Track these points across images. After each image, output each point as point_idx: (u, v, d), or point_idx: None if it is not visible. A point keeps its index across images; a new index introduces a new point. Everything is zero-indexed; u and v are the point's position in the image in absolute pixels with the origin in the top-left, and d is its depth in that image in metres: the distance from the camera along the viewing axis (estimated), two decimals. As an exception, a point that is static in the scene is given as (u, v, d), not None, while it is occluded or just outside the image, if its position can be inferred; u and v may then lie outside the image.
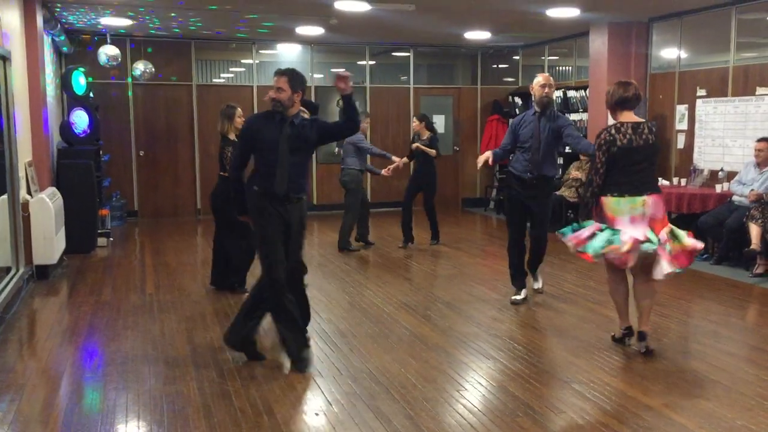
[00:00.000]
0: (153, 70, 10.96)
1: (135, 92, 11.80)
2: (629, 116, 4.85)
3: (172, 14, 9.47)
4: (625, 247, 4.65)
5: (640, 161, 4.76)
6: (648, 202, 4.74)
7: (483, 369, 4.77)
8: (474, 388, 4.40)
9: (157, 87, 11.79)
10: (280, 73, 4.68)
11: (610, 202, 4.77)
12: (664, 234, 4.74)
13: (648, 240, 4.68)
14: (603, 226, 4.82)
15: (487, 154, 6.18)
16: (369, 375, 4.60)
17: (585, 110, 10.93)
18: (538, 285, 6.71)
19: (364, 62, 12.88)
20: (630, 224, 4.73)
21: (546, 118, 6.07)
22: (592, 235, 4.80)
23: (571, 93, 11.45)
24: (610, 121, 5.13)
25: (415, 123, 9.43)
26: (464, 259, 8.47)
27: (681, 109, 9.36)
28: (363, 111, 10.33)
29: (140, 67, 10.88)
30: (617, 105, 4.88)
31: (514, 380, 4.51)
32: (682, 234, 4.81)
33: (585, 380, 4.47)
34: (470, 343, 5.27)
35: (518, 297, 6.38)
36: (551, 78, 6.20)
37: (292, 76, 4.63)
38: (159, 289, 6.97)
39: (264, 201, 4.66)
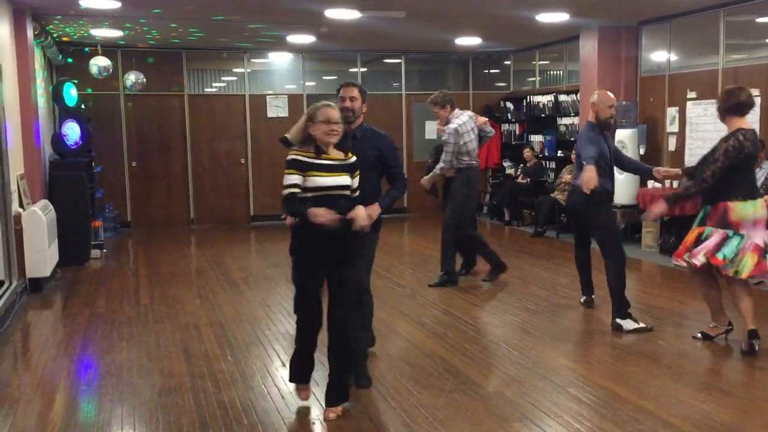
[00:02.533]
0: (144, 80, 10.95)
1: (127, 103, 11.79)
2: (745, 122, 5.00)
3: (172, 24, 9.48)
4: (754, 260, 4.87)
5: (751, 166, 5.06)
6: (764, 204, 5.01)
7: (478, 374, 4.76)
8: (470, 394, 4.40)
9: (148, 97, 11.78)
10: (350, 84, 4.65)
11: (736, 206, 4.91)
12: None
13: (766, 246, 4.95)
14: (729, 232, 4.94)
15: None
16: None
17: (576, 114, 10.97)
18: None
19: (355, 69, 12.91)
20: (753, 228, 4.93)
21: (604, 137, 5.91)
22: (721, 243, 4.94)
23: (562, 97, 11.50)
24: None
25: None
26: (457, 266, 8.46)
27: (672, 112, 9.41)
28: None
29: (132, 77, 10.87)
30: (735, 111, 4.98)
31: (510, 385, 4.51)
32: None
33: (581, 384, 4.47)
34: (465, 349, 5.27)
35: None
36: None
37: (362, 88, 4.65)
38: (153, 300, 6.95)
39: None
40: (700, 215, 5.19)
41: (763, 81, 8.08)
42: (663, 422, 3.88)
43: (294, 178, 3.89)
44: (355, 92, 4.60)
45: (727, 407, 4.09)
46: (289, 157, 3.94)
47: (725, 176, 4.90)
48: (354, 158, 4.08)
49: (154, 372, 4.85)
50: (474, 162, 7.30)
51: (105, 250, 9.56)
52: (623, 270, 5.69)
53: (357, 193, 4.08)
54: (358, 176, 4.09)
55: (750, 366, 4.84)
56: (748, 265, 4.89)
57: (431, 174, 7.39)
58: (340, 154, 4.04)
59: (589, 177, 5.30)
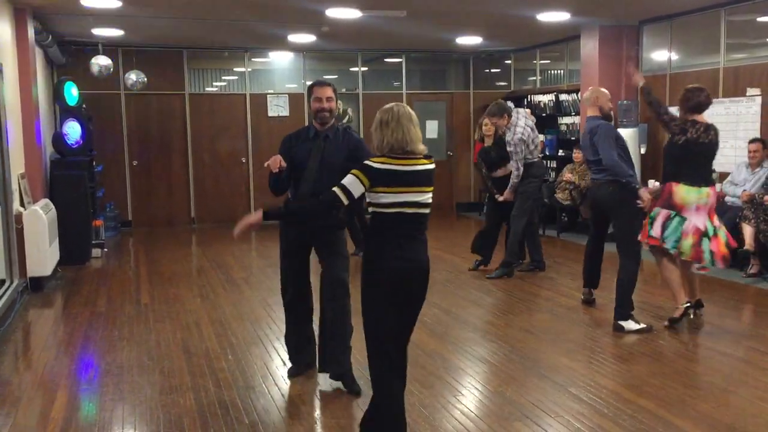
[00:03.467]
0: (145, 79, 10.95)
1: (127, 102, 11.79)
2: (702, 118, 5.53)
3: (166, 22, 9.49)
4: (690, 240, 5.36)
5: (703, 156, 5.44)
6: (710, 193, 5.42)
7: (479, 374, 4.77)
8: (471, 393, 4.41)
9: (149, 96, 11.79)
10: (324, 83, 4.47)
11: (681, 190, 5.40)
12: (717, 220, 5.53)
13: (706, 230, 5.38)
14: (672, 213, 5.43)
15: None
16: (366, 382, 4.58)
17: (577, 113, 10.96)
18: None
19: (356, 69, 12.91)
20: (695, 212, 5.37)
21: None
22: (665, 223, 5.45)
23: (563, 96, 11.49)
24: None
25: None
26: (459, 264, 8.47)
27: (673, 111, 9.39)
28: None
29: (132, 77, 10.87)
30: (694, 109, 5.53)
31: (510, 384, 4.51)
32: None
33: (581, 383, 4.48)
34: (466, 348, 5.27)
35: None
36: None
37: (334, 86, 4.51)
38: (154, 299, 6.96)
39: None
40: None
41: (764, 80, 8.08)
42: (664, 421, 3.88)
43: None
44: (330, 92, 4.44)
45: (727, 406, 4.10)
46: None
47: (676, 161, 5.47)
48: None
49: (154, 371, 4.86)
50: (535, 158, 7.68)
51: (106, 250, 9.57)
52: (637, 270, 5.71)
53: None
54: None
55: (751, 365, 4.84)
56: (686, 247, 5.39)
57: (510, 186, 7.56)
58: None
59: (646, 196, 5.58)
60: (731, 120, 8.50)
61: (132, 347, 5.42)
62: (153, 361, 5.06)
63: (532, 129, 7.59)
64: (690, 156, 5.41)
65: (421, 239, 3.42)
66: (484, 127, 8.03)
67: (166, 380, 4.66)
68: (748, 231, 7.16)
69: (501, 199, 7.65)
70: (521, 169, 7.49)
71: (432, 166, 3.43)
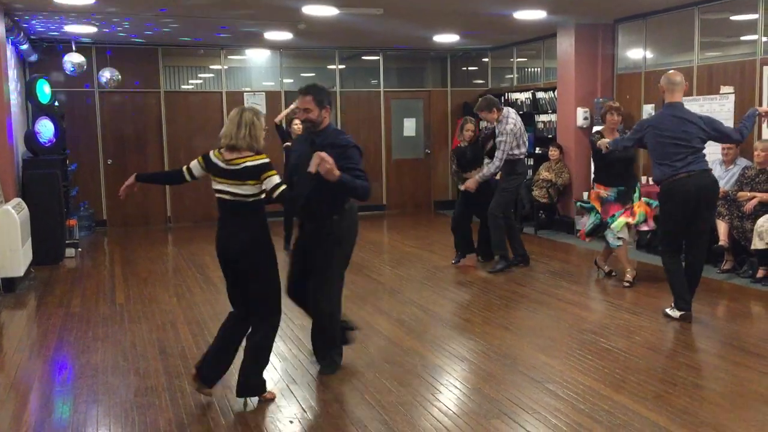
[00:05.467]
0: (119, 77, 10.82)
1: (102, 100, 11.65)
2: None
3: (147, 23, 9.38)
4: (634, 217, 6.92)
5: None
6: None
7: (457, 371, 4.77)
8: (449, 391, 4.41)
9: (124, 94, 11.66)
10: (303, 92, 4.46)
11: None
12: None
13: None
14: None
15: None
16: (343, 380, 4.58)
17: (554, 111, 11.02)
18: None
19: (333, 66, 12.86)
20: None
21: None
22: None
23: (540, 94, 11.55)
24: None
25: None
26: (437, 262, 8.49)
27: (648, 109, 9.47)
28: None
29: (106, 74, 10.74)
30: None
31: (488, 381, 4.52)
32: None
33: (558, 380, 4.50)
34: (444, 346, 5.27)
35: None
36: None
37: (317, 92, 4.43)
38: (129, 300, 6.88)
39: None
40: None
41: (738, 78, 8.17)
42: (640, 416, 3.91)
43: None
44: (309, 102, 4.39)
45: (702, 401, 4.13)
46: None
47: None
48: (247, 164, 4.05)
49: (129, 372, 4.80)
50: (522, 155, 7.82)
51: (80, 249, 9.44)
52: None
53: (251, 199, 4.08)
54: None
55: (724, 360, 4.90)
56: (620, 223, 6.86)
57: (480, 176, 7.70)
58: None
59: None
60: (705, 117, 8.58)
61: (107, 348, 5.35)
62: (128, 362, 5.00)
63: (522, 127, 7.76)
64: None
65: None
66: (466, 133, 8.09)
67: (142, 381, 4.61)
68: (722, 227, 7.24)
69: (462, 187, 7.85)
70: (502, 161, 7.58)
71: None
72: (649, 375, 4.56)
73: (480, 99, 7.92)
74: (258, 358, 4.21)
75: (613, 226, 6.98)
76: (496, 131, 7.72)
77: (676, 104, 5.71)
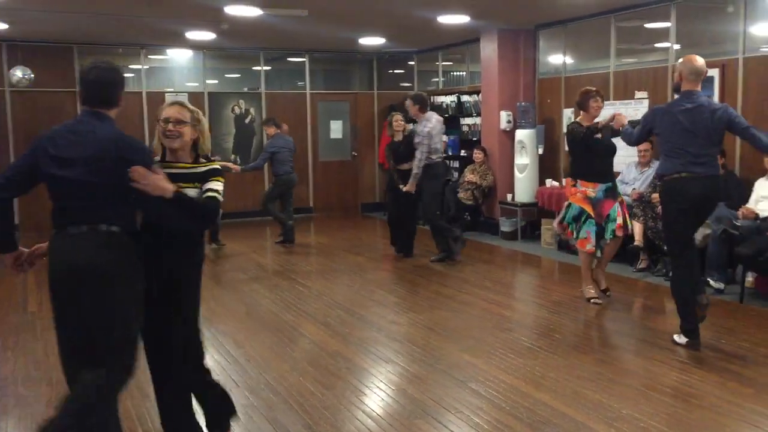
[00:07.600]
0: (32, 76, 10.39)
1: (12, 100, 11.14)
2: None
3: (56, 15, 9.02)
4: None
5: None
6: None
7: (382, 373, 4.77)
8: (373, 393, 4.40)
9: (37, 94, 11.17)
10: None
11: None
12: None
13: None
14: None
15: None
16: (267, 385, 4.51)
17: (478, 114, 11.19)
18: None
19: (258, 68, 12.71)
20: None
21: None
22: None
23: (464, 98, 11.71)
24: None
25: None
26: (363, 264, 8.49)
27: (568, 113, 9.74)
28: (271, 118, 10.34)
29: (18, 73, 10.29)
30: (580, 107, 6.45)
31: (413, 383, 4.54)
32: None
33: (481, 379, 4.55)
34: (369, 348, 5.27)
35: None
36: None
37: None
38: (42, 307, 6.59)
39: None
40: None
41: (651, 84, 8.49)
42: (559, 413, 4.00)
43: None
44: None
45: (617, 396, 4.26)
46: None
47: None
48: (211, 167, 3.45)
49: (42, 382, 4.60)
50: (437, 160, 8.24)
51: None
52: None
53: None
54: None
55: (638, 356, 5.06)
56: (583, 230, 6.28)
57: (412, 176, 8.16)
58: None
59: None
60: (621, 122, 8.88)
61: (17, 358, 5.11)
62: (40, 372, 4.80)
63: (440, 131, 8.24)
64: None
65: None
66: (394, 123, 8.52)
67: (54, 392, 4.42)
68: (637, 228, 7.49)
69: (405, 189, 8.24)
70: (423, 161, 8.07)
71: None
72: (568, 372, 4.68)
73: (416, 92, 8.47)
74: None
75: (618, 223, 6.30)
76: (417, 130, 8.17)
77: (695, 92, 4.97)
